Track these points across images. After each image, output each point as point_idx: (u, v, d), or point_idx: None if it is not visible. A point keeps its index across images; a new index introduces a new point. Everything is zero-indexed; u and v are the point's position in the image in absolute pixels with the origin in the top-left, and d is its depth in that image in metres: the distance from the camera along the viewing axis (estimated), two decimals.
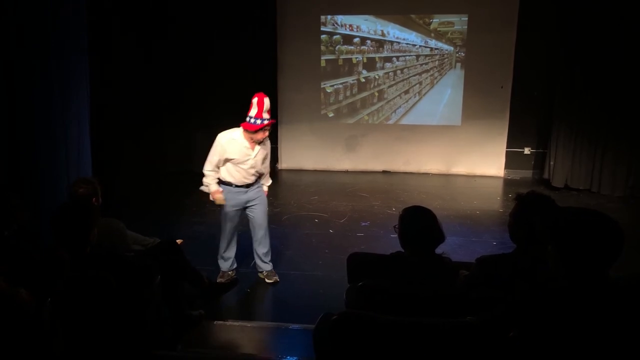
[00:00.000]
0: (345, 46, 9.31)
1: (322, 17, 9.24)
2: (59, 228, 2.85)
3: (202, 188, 4.81)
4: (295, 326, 4.07)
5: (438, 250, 2.78)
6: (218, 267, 5.06)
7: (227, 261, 4.96)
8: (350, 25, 9.24)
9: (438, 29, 9.13)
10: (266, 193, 4.97)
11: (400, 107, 9.46)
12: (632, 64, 7.63)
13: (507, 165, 9.25)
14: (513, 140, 9.15)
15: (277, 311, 4.49)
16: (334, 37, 9.29)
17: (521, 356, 1.97)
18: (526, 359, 1.96)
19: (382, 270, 2.82)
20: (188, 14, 8.83)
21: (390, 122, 9.54)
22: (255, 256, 4.99)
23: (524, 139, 9.18)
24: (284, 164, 9.70)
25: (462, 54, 9.12)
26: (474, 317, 2.29)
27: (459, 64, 9.19)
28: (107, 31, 6.78)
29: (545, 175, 8.54)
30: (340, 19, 9.24)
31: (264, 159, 4.75)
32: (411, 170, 9.48)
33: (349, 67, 9.39)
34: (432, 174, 9.41)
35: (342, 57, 9.35)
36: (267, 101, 4.50)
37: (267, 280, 4.95)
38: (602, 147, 8.08)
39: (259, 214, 4.83)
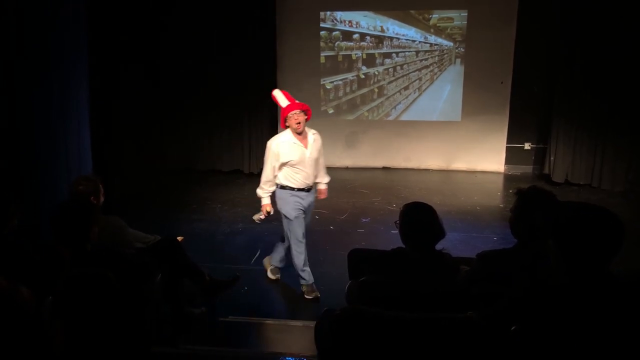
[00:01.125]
0: (345, 42, 9.29)
1: (322, 14, 9.22)
2: (57, 226, 2.84)
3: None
4: (296, 322, 4.08)
5: (439, 246, 2.78)
6: (218, 263, 5.06)
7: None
8: (350, 22, 9.22)
9: (438, 25, 9.12)
10: (326, 190, 4.77)
11: (400, 103, 9.45)
12: (632, 59, 7.63)
13: (508, 161, 9.25)
14: (513, 136, 9.15)
15: (278, 308, 4.50)
16: (334, 33, 9.28)
17: (522, 351, 1.97)
18: (527, 354, 1.96)
19: (383, 266, 2.82)
20: (188, 12, 8.81)
21: (390, 118, 9.54)
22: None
23: (524, 135, 9.18)
24: None
25: (462, 50, 9.11)
26: (475, 312, 2.29)
27: (458, 60, 9.17)
28: (107, 30, 6.77)
29: (546, 171, 8.54)
30: (339, 15, 9.22)
31: (319, 156, 4.55)
32: (411, 166, 9.47)
33: (349, 64, 9.37)
34: (432, 170, 9.41)
35: (341, 53, 9.33)
36: (280, 95, 4.43)
37: (306, 297, 4.59)
38: (602, 142, 8.08)
39: (307, 221, 4.64)
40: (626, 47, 7.60)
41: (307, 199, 4.52)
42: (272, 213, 4.61)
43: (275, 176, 4.47)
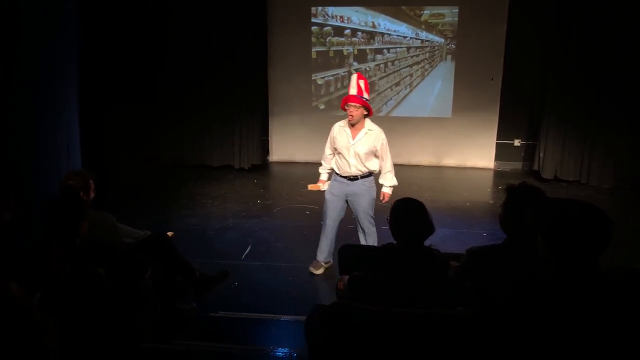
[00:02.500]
0: (336, 38, 9.28)
1: (313, 9, 9.20)
2: (47, 221, 2.83)
3: None
4: (287, 317, 4.08)
5: (427, 242, 2.79)
6: (209, 259, 5.06)
7: (320, 252, 4.96)
8: (341, 17, 9.21)
9: (429, 21, 9.13)
10: (387, 195, 4.75)
11: (391, 99, 9.46)
12: (623, 56, 7.68)
13: (497, 157, 9.29)
14: (503, 132, 9.19)
15: (268, 303, 4.50)
16: (325, 28, 9.26)
17: (512, 347, 1.99)
18: (517, 350, 1.98)
19: (373, 262, 2.83)
20: (179, 9, 8.73)
21: (381, 114, 9.54)
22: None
23: (514, 131, 9.22)
24: (275, 156, 9.69)
25: (453, 46, 9.12)
26: (465, 307, 2.31)
27: (449, 56, 9.19)
28: (99, 26, 6.73)
29: (535, 167, 8.59)
30: (331, 10, 9.21)
31: (369, 152, 4.61)
32: (402, 162, 9.45)
33: (340, 59, 9.37)
34: (422, 165, 9.43)
35: (332, 48, 9.32)
36: (353, 78, 4.54)
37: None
38: (592, 139, 8.14)
39: (357, 208, 4.72)
40: (617, 43, 7.65)
41: (351, 187, 4.67)
42: (322, 189, 4.93)
43: (332, 154, 4.80)
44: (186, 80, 8.90)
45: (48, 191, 4.58)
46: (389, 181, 4.75)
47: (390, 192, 4.77)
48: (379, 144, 4.62)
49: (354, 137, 4.57)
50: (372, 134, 4.59)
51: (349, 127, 4.59)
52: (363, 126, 4.58)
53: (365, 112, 4.54)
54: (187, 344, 3.46)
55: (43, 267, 2.61)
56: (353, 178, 4.64)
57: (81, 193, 3.51)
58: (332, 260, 4.97)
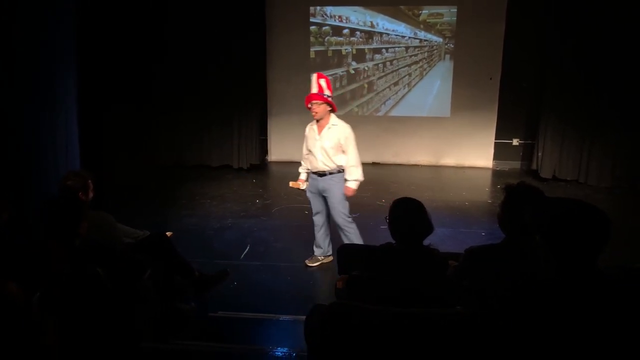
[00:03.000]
0: (335, 37, 9.29)
1: (312, 9, 9.21)
2: (46, 221, 2.83)
3: None
4: (286, 317, 4.08)
5: (427, 242, 2.79)
6: (208, 259, 5.07)
7: (315, 246, 5.15)
8: (340, 17, 9.22)
9: (427, 21, 9.13)
10: (352, 191, 4.76)
11: (389, 98, 9.47)
12: (621, 55, 7.69)
13: (496, 157, 9.31)
14: (502, 132, 9.20)
15: (267, 302, 4.50)
16: (323, 28, 9.27)
17: (511, 347, 1.99)
18: (516, 350, 1.98)
19: (372, 262, 2.83)
20: (178, 9, 8.74)
21: (380, 113, 9.55)
22: None
23: (512, 131, 9.24)
24: (273, 155, 9.69)
25: (451, 46, 9.13)
26: (463, 307, 2.31)
27: (448, 56, 9.20)
28: (98, 26, 6.72)
29: (534, 167, 8.60)
30: (329, 10, 9.21)
31: (336, 147, 4.73)
32: (401, 161, 9.51)
33: (339, 59, 9.37)
34: (421, 165, 9.44)
35: (331, 48, 9.33)
36: (313, 77, 4.71)
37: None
38: (590, 139, 8.15)
39: (329, 204, 4.87)
40: (615, 43, 7.66)
41: (321, 183, 4.82)
42: (302, 189, 5.06)
43: (308, 153, 4.90)
44: (185, 80, 8.90)
45: (47, 191, 4.58)
46: (352, 175, 4.76)
47: (354, 187, 4.77)
48: (342, 137, 4.74)
49: (319, 133, 4.75)
50: (335, 128, 4.75)
51: (316, 124, 4.79)
52: (328, 122, 4.76)
53: (329, 108, 4.73)
54: (187, 344, 3.46)
55: (42, 267, 2.60)
56: (322, 174, 4.80)
57: (80, 193, 3.51)
58: (332, 256, 4.98)
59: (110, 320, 2.50)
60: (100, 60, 6.91)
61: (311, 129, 4.86)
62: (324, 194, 4.86)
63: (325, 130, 4.75)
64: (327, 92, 4.68)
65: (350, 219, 4.87)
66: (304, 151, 4.98)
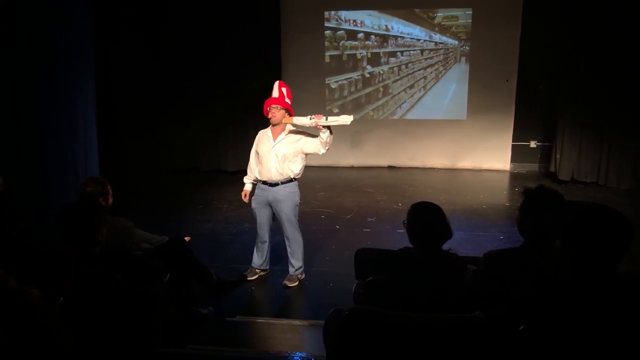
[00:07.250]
0: (350, 41, 9.30)
1: (326, 13, 9.23)
2: (65, 227, 2.85)
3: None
4: (304, 322, 4.08)
5: (445, 246, 2.77)
6: (223, 263, 5.08)
7: (253, 259, 4.90)
8: (354, 21, 9.23)
9: (442, 23, 9.11)
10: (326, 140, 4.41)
11: (405, 102, 9.45)
12: (637, 57, 7.59)
13: (513, 159, 9.24)
14: (519, 134, 9.14)
15: (285, 307, 4.50)
16: (338, 32, 9.28)
17: (529, 351, 1.97)
18: (534, 354, 1.96)
19: (390, 266, 2.81)
20: (193, 13, 8.83)
21: (395, 117, 9.53)
22: None
23: (529, 133, 9.16)
24: None
25: (467, 48, 9.09)
26: (482, 312, 2.29)
27: (463, 58, 9.16)
28: (113, 29, 6.80)
29: (552, 169, 8.52)
30: (344, 14, 9.23)
31: (294, 152, 4.53)
32: (417, 165, 9.47)
33: (354, 63, 9.38)
34: (437, 168, 9.40)
35: (346, 52, 9.34)
36: (275, 85, 4.59)
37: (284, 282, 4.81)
38: (608, 140, 8.06)
39: (279, 214, 4.67)
40: (632, 45, 7.57)
41: (272, 194, 4.60)
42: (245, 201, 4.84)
43: (256, 162, 4.69)
44: (201, 86, 8.97)
45: (65, 199, 4.62)
46: (325, 136, 4.42)
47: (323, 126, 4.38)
48: (299, 138, 4.56)
49: (275, 139, 4.57)
50: (292, 134, 4.58)
51: (271, 130, 4.62)
52: (284, 129, 4.59)
53: (287, 115, 4.56)
54: (203, 348, 3.48)
55: (62, 274, 2.63)
56: (274, 184, 4.58)
57: (100, 199, 3.55)
58: (268, 268, 4.94)
59: (127, 326, 2.51)
60: (116, 65, 6.98)
61: (264, 135, 4.66)
62: (273, 204, 4.64)
63: (281, 136, 4.56)
64: (287, 100, 4.56)
65: (298, 230, 4.74)
66: (252, 159, 4.77)
